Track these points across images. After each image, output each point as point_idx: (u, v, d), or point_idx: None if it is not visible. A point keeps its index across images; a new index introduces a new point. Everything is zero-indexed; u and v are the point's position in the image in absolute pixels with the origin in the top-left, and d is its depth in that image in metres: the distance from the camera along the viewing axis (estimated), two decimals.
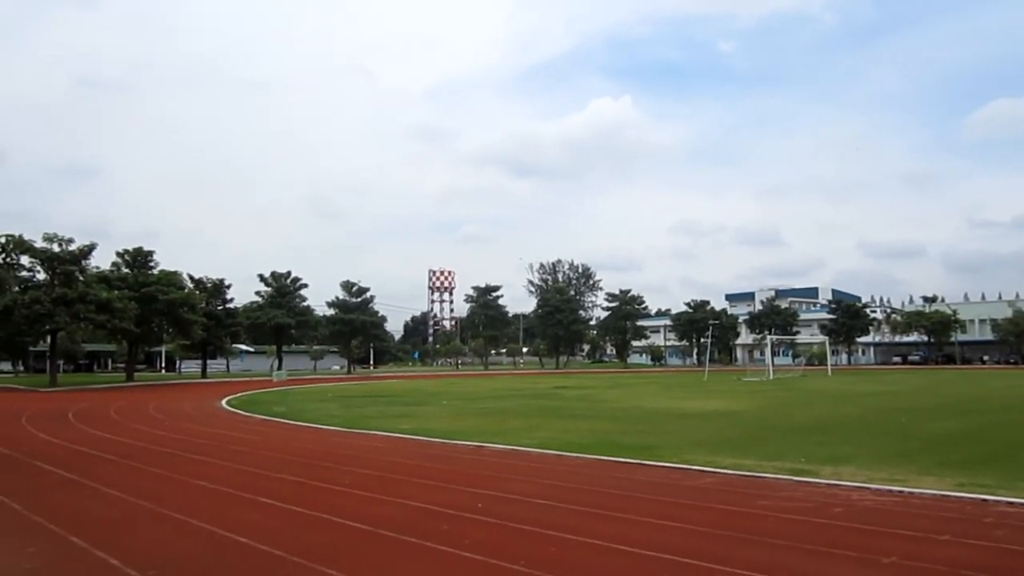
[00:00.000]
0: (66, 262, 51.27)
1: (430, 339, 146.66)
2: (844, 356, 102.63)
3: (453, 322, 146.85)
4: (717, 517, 8.71)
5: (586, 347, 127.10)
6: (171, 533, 8.41)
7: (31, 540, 8.04)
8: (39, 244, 51.83)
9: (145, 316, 55.08)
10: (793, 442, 15.89)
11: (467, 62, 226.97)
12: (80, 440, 18.47)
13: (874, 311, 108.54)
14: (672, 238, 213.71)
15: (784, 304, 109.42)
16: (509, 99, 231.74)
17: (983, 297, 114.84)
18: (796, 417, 22.42)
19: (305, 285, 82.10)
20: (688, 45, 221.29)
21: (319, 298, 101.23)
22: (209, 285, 69.73)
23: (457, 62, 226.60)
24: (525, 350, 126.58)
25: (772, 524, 8.30)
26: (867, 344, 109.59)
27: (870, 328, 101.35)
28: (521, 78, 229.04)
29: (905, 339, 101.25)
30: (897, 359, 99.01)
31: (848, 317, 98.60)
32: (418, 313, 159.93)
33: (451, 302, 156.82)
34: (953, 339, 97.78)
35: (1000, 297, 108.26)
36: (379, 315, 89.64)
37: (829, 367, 66.37)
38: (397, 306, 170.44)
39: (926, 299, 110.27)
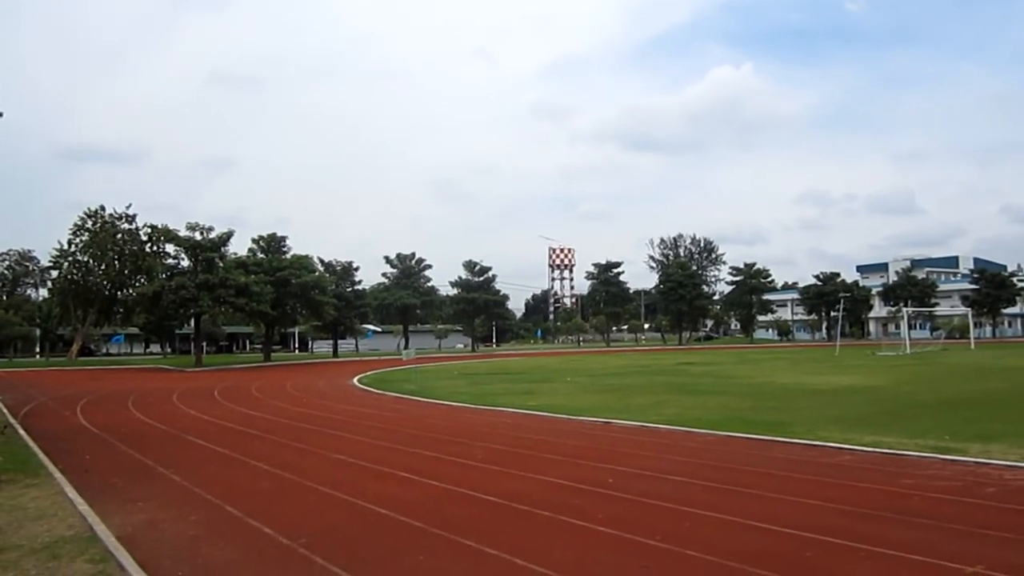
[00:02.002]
0: (207, 249, 54.26)
1: (551, 316, 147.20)
2: (988, 328, 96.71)
3: (574, 299, 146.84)
4: (859, 495, 8.43)
5: (709, 323, 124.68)
6: (317, 504, 8.84)
7: (192, 509, 8.62)
8: (183, 233, 55.13)
9: (280, 299, 57.67)
10: (936, 419, 15.15)
11: (583, 38, 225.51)
12: (227, 416, 19.61)
13: (1021, 280, 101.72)
14: (799, 209, 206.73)
15: (920, 275, 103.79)
16: (626, 73, 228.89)
17: None
18: (938, 392, 21.34)
19: (429, 266, 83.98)
20: (812, 6, 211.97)
21: (443, 278, 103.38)
22: (338, 268, 72.37)
23: (573, 39, 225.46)
24: (647, 326, 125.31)
25: (919, 503, 7.98)
26: (1014, 315, 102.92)
27: (1017, 298, 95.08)
28: (637, 51, 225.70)
29: None
30: None
31: (993, 287, 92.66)
32: (539, 291, 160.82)
33: (571, 279, 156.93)
34: None
35: None
36: (501, 293, 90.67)
37: (972, 340, 62.71)
38: (518, 284, 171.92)
39: None
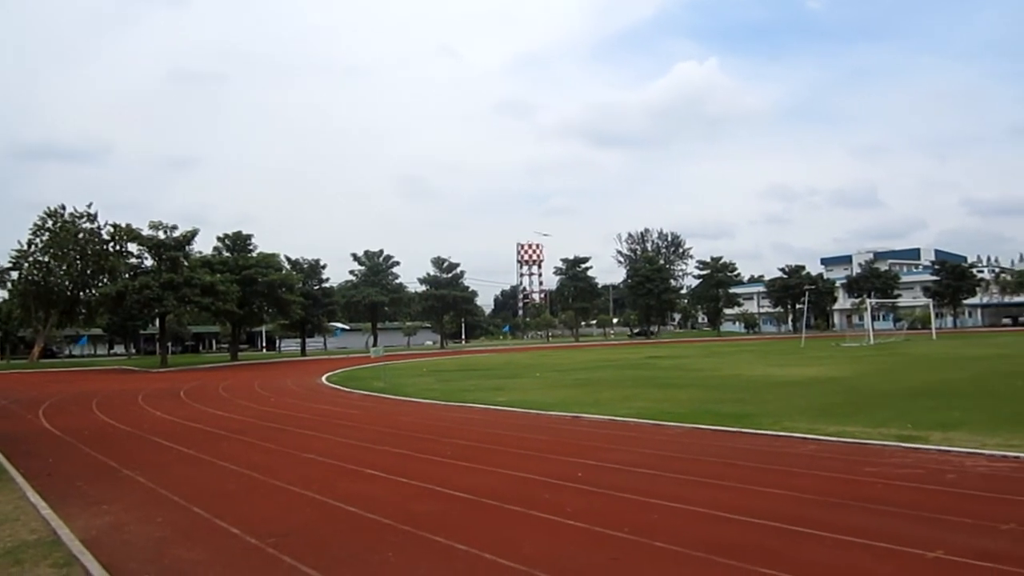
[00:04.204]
0: (171, 248, 53.50)
1: (520, 312, 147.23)
2: (949, 319, 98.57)
3: (542, 295, 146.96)
4: (823, 484, 8.58)
5: (677, 316, 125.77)
6: (286, 504, 8.78)
7: (158, 511, 8.52)
8: (146, 232, 54.28)
9: (246, 298, 57.07)
10: (899, 408, 15.42)
11: (547, 34, 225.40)
12: (194, 417, 19.40)
13: (981, 271, 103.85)
14: (764, 203, 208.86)
15: (883, 267, 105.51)
16: (591, 69, 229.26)
17: None
18: (901, 382, 21.72)
19: (397, 263, 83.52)
20: (774, 2, 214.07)
21: (412, 275, 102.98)
22: (305, 266, 71.75)
23: (538, 34, 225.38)
24: (615, 321, 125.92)
25: (881, 491, 8.12)
26: (974, 306, 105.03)
27: (977, 289, 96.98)
28: (602, 46, 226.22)
29: (1015, 299, 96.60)
30: (1007, 321, 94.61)
31: (953, 278, 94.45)
32: (508, 287, 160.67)
33: (540, 275, 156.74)
34: None
35: None
36: (470, 290, 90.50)
37: (933, 330, 63.87)
38: (487, 281, 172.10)
39: None
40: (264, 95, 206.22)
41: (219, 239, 63.85)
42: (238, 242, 63.45)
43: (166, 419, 19.23)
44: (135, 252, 57.07)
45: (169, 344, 63.87)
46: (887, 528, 6.70)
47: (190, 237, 55.18)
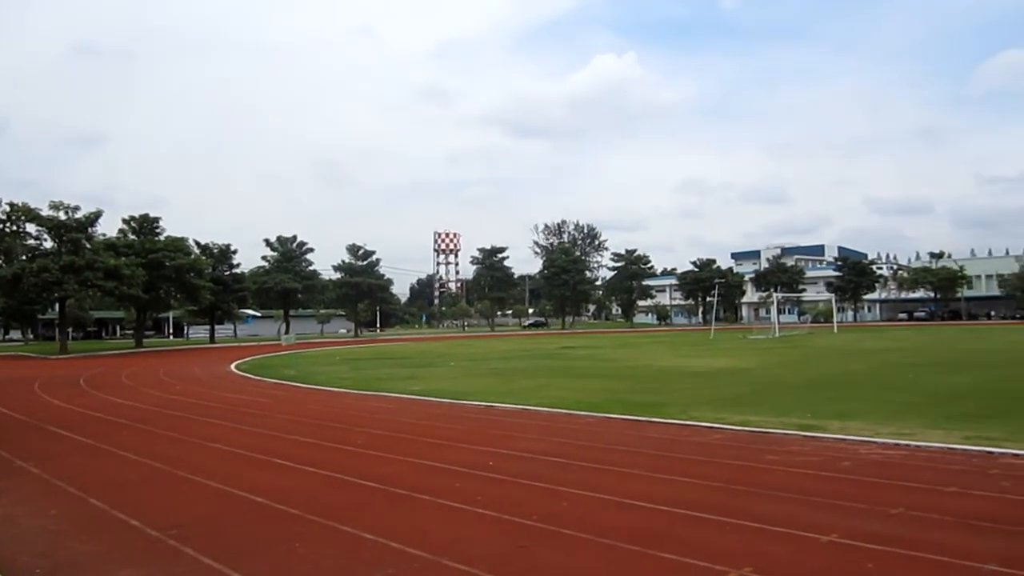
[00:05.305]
0: (73, 230, 51.37)
1: (436, 301, 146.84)
2: (850, 313, 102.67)
3: (459, 284, 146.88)
4: (726, 472, 8.81)
5: (591, 307, 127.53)
6: (189, 494, 8.55)
7: (52, 503, 8.19)
8: (45, 212, 51.91)
9: (153, 282, 55.33)
10: (800, 398, 15.97)
11: (470, 21, 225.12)
12: (93, 406, 18.70)
13: (880, 268, 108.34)
14: (678, 197, 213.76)
15: (790, 262, 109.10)
16: (512, 58, 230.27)
17: (990, 253, 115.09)
18: (803, 374, 22.50)
19: (311, 249, 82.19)
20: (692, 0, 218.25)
21: (326, 262, 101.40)
22: (215, 251, 69.94)
23: (460, 22, 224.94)
24: (531, 311, 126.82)
25: (781, 478, 8.40)
26: (873, 301, 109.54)
27: (876, 285, 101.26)
28: (524, 37, 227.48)
29: (911, 296, 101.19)
30: (903, 316, 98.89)
31: (854, 274, 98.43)
32: (424, 276, 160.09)
33: (457, 264, 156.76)
34: (960, 295, 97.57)
35: (1007, 252, 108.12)
36: (385, 278, 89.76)
37: (835, 324, 66.37)
38: (403, 269, 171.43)
39: (933, 255, 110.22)
40: (175, 73, 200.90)
41: (125, 221, 61.68)
42: (145, 225, 61.41)
43: (64, 407, 18.49)
44: (33, 233, 54.60)
45: (69, 330, 61.50)
46: (785, 513, 6.93)
47: (93, 219, 53.13)
